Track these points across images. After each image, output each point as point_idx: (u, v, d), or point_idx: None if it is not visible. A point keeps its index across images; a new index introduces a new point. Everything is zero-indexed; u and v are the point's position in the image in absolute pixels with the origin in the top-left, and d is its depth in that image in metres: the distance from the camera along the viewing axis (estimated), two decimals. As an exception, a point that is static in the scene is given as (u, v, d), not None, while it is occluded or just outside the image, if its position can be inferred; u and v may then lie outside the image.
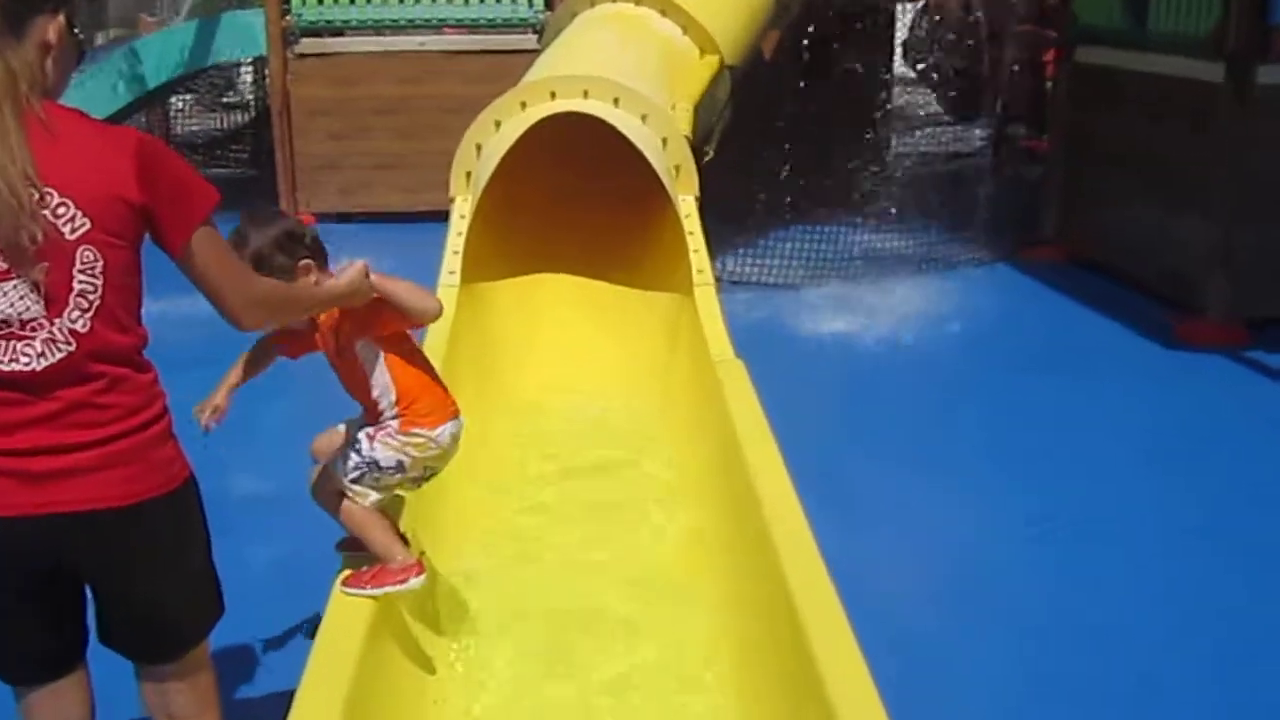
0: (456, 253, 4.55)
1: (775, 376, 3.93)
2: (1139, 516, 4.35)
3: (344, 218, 9.77)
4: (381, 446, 2.58)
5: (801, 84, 7.93)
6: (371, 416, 2.64)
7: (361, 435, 2.62)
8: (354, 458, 2.59)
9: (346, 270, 2.57)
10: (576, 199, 5.12)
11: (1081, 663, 3.43)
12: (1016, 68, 10.09)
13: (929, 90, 13.40)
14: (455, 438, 2.64)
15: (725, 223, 6.76)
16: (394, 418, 2.60)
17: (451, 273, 4.47)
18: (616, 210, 5.09)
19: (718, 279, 4.89)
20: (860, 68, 9.28)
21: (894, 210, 8.43)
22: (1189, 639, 3.58)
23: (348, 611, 2.38)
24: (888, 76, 10.87)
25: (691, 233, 4.74)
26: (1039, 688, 3.31)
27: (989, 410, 5.47)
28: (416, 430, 2.59)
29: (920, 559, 4.01)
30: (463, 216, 4.75)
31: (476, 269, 4.62)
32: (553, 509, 3.40)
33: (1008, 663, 3.42)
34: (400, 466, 2.59)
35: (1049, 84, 9.53)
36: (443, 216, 5.17)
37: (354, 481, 2.58)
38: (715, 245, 5.18)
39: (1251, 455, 4.93)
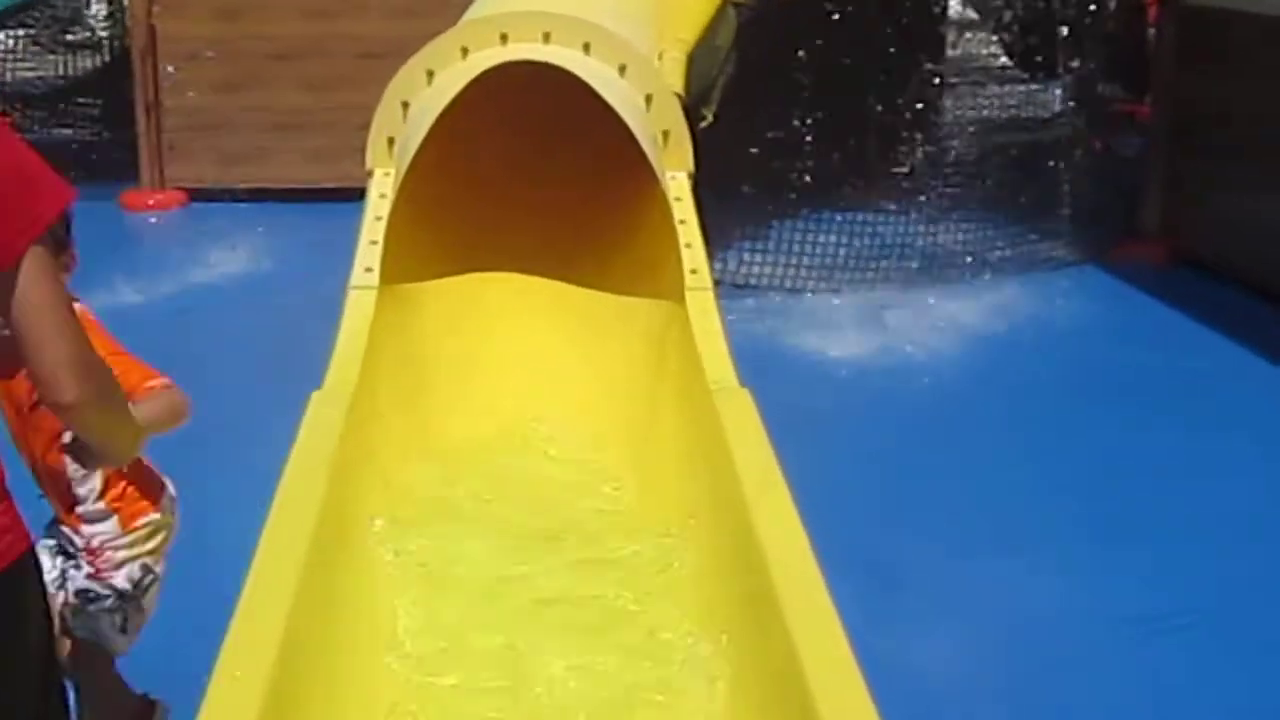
0: (375, 243, 4.51)
1: (789, 413, 3.93)
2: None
3: (228, 195, 9.75)
4: (112, 564, 2.53)
5: (828, 27, 7.96)
6: (63, 508, 2.58)
7: (66, 566, 2.56)
8: (96, 601, 2.53)
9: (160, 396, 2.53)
10: (534, 175, 5.11)
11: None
12: (1111, 8, 10.16)
13: (996, 37, 13.48)
14: (175, 501, 2.61)
15: (727, 208, 6.78)
16: (103, 513, 2.54)
17: (368, 270, 4.43)
18: (586, 190, 5.08)
19: (716, 281, 4.89)
20: (907, 4, 9.33)
21: (947, 194, 8.44)
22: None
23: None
24: (941, 18, 10.94)
25: (683, 221, 4.72)
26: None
27: (1074, 462, 5.48)
28: (144, 520, 2.55)
29: (982, 660, 4.02)
30: (383, 196, 4.72)
31: (402, 265, 4.60)
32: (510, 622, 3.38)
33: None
34: (149, 575, 2.55)
35: (1151, 32, 9.61)
36: (358, 195, 5.18)
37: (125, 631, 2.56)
38: (714, 237, 5.19)
39: None
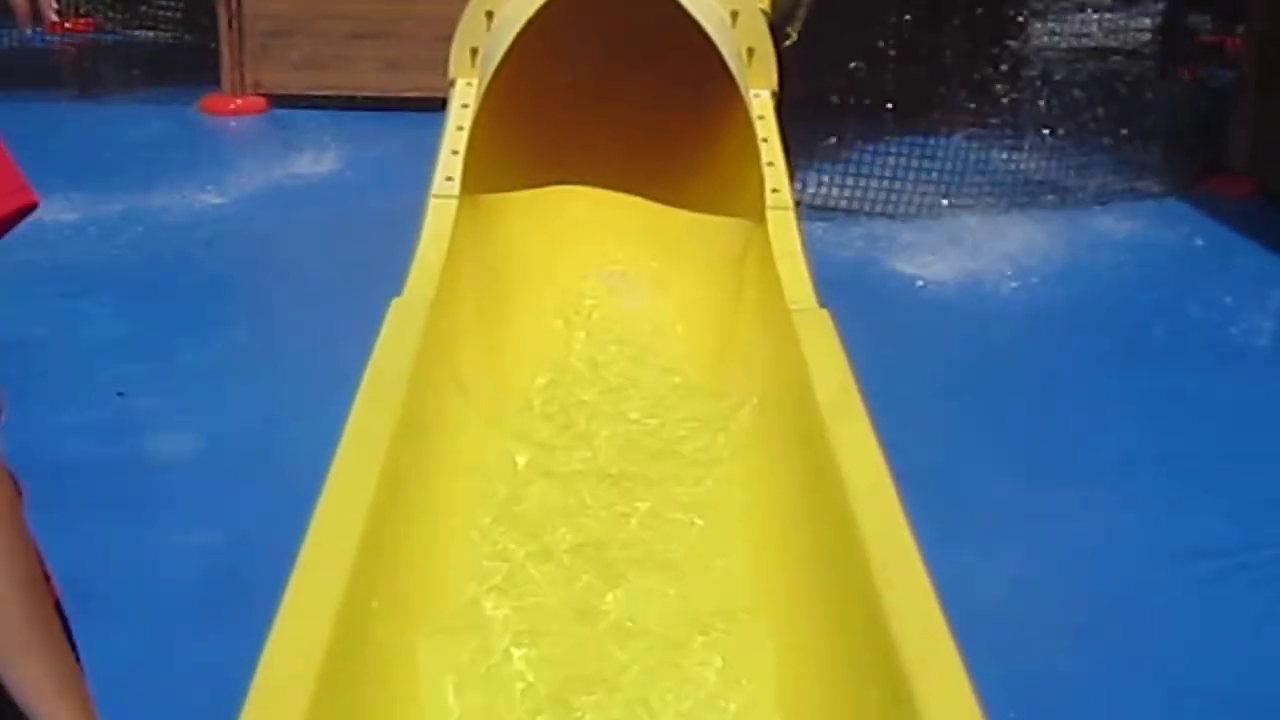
0: (456, 153, 4.50)
1: (866, 337, 3.89)
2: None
3: (307, 101, 9.76)
4: None
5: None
6: None
7: None
8: None
9: None
10: (615, 90, 5.06)
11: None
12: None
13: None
14: None
15: (810, 130, 6.72)
16: None
17: (449, 179, 4.42)
18: (669, 106, 5.04)
19: (796, 203, 4.85)
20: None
21: (1032, 121, 8.33)
22: None
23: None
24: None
25: (765, 139, 4.67)
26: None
27: (1154, 400, 5.41)
28: None
29: (1055, 588, 3.99)
30: (465, 106, 4.70)
31: (482, 177, 4.59)
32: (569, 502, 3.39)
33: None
34: None
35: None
36: (438, 105, 5.16)
37: None
38: (795, 159, 5.15)
39: None
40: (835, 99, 7.66)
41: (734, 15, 5.05)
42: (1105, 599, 3.97)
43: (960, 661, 2.28)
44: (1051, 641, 3.71)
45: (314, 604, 2.29)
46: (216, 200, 8.00)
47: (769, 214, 4.56)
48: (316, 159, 8.71)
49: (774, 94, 5.09)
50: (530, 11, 4.71)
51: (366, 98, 9.56)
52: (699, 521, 3.24)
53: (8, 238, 1.83)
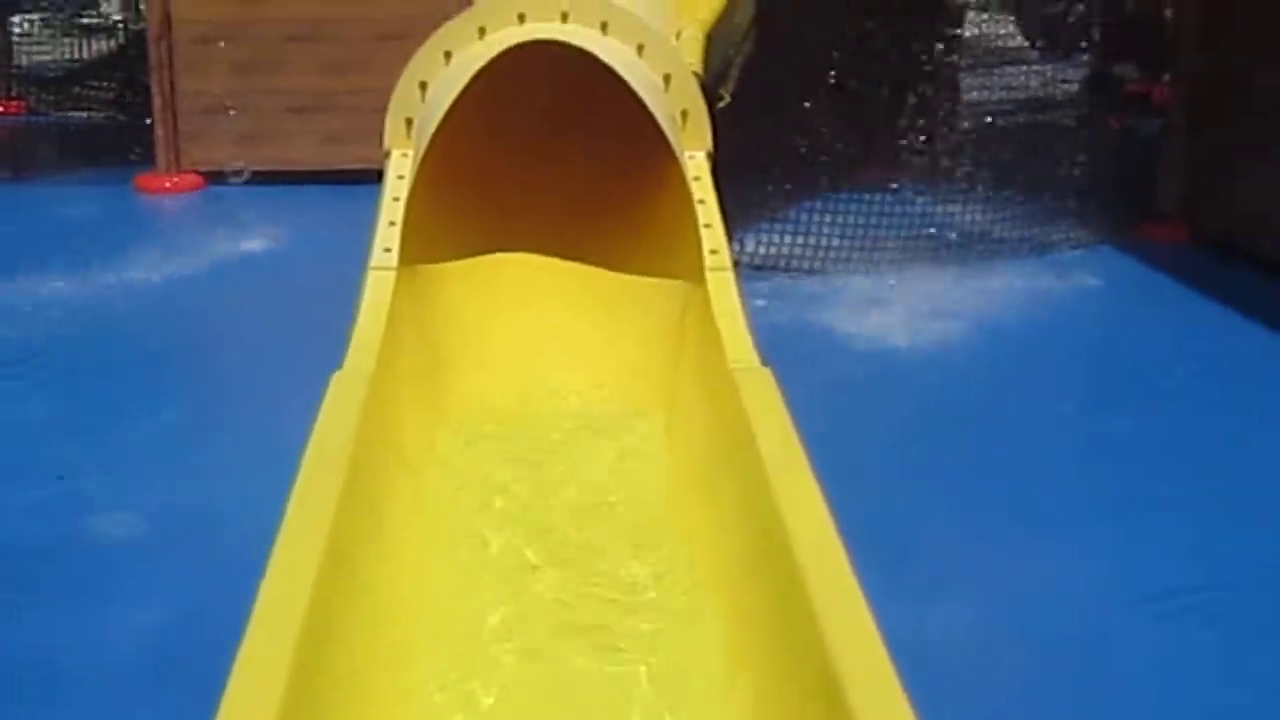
0: (393, 224, 4.52)
1: (809, 393, 3.91)
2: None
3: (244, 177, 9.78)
4: None
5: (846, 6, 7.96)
6: None
7: None
8: None
9: None
10: (552, 155, 5.09)
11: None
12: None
13: (1013, 19, 13.44)
14: None
15: (745, 189, 6.77)
16: None
17: (387, 250, 4.43)
18: (605, 170, 5.07)
19: (735, 263, 4.88)
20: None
21: (965, 175, 8.44)
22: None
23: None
24: (959, -1, 10.92)
25: (702, 200, 4.72)
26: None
27: (1093, 440, 5.47)
28: None
29: (1005, 635, 4.00)
30: (401, 177, 4.73)
31: (420, 246, 4.60)
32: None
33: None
34: None
35: (1168, 10, 9.57)
36: (376, 177, 5.18)
37: None
38: (732, 219, 5.18)
39: None
40: (769, 159, 7.74)
41: (666, 79, 5.09)
42: (1056, 645, 3.98)
43: (911, 712, 2.28)
44: (1003, 689, 3.71)
45: (261, 682, 2.27)
46: (154, 277, 7.95)
47: (709, 274, 4.58)
48: (255, 234, 8.68)
49: (709, 155, 5.14)
50: (463, 81, 4.74)
51: (304, 171, 9.58)
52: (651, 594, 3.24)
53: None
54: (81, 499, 5.12)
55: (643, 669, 2.96)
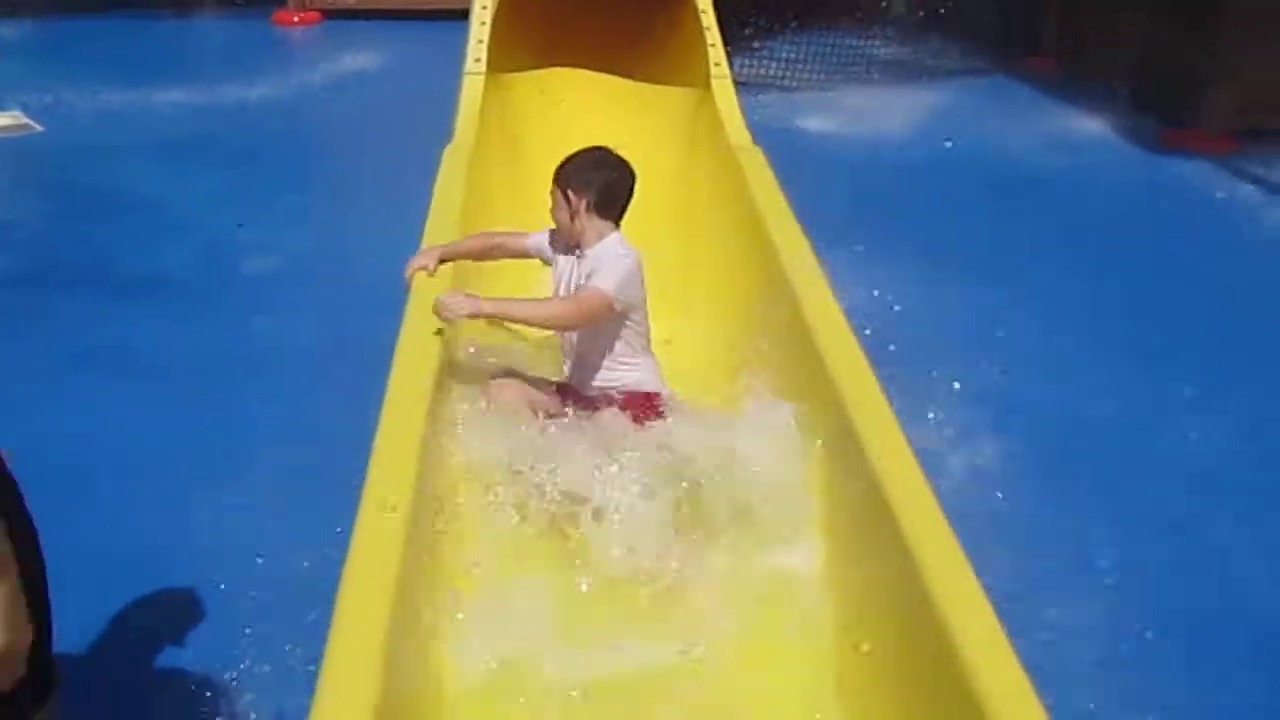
0: (481, 41, 4.57)
1: (783, 167, 3.95)
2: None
3: (355, 14, 9.64)
4: None
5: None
6: None
7: None
8: None
9: None
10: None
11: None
12: None
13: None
14: None
15: (733, 27, 6.72)
16: None
17: (477, 60, 4.52)
18: (631, 8, 5.06)
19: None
20: None
21: (894, 17, 8.40)
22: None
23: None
24: None
25: (709, 27, 4.72)
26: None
27: (1002, 215, 5.69)
28: None
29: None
30: (484, 7, 4.75)
31: (499, 59, 4.63)
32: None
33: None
34: None
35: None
36: (461, 15, 5.10)
37: None
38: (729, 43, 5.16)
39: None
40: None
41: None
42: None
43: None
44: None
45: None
46: (290, 84, 7.90)
47: (714, 82, 4.61)
48: (366, 55, 8.60)
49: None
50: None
51: (404, 10, 9.46)
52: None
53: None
54: (250, 244, 5.20)
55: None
